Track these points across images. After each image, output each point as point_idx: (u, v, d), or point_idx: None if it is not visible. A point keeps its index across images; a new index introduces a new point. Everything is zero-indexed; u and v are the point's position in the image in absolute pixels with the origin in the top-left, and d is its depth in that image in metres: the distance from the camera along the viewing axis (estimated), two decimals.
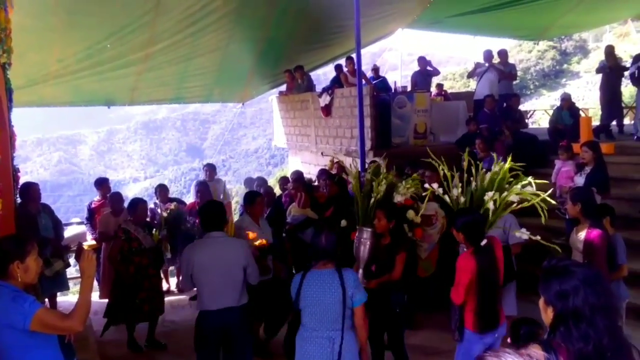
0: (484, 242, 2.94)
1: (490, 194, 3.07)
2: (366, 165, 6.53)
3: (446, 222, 4.98)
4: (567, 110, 7.73)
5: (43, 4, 5.74)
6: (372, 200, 3.61)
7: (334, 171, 7.01)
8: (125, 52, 7.20)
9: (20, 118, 4.67)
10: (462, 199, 3.22)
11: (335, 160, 7.78)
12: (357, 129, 7.28)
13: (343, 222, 4.23)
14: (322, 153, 9.10)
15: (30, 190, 4.79)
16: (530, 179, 3.19)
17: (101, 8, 6.22)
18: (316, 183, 6.68)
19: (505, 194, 3.11)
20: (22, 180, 4.64)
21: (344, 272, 2.84)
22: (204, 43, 7.69)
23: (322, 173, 6.39)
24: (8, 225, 2.81)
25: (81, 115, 48.48)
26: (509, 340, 2.75)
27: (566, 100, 7.89)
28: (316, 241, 2.86)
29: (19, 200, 4.65)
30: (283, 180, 7.29)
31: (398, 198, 3.69)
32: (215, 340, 3.19)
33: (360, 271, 3.59)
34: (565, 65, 27.62)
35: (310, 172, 8.77)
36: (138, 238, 4.46)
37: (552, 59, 27.49)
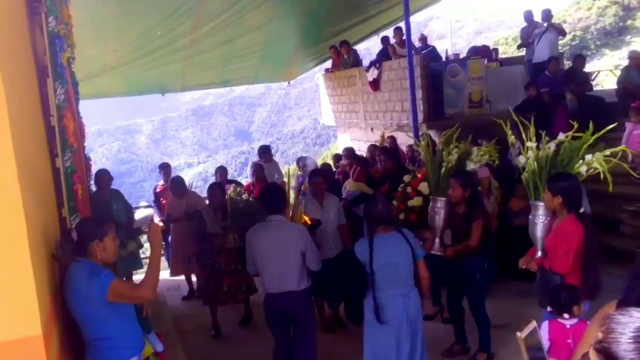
0: (581, 209, 2.80)
1: (589, 156, 2.87)
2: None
3: (500, 194, 4.83)
4: (637, 69, 7.18)
5: None
6: (444, 170, 3.65)
7: (386, 145, 6.92)
8: (174, 38, 7.33)
9: (81, 110, 4.91)
10: (533, 165, 3.04)
11: (387, 135, 7.66)
12: (407, 102, 7.10)
13: (406, 177, 4.46)
14: (371, 129, 8.98)
15: (102, 177, 5.13)
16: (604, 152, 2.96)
17: None
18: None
19: (588, 158, 2.91)
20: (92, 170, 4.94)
21: (405, 232, 3.04)
22: (247, 21, 7.67)
23: (374, 149, 6.33)
24: (85, 210, 2.98)
25: (135, 106, 50.46)
26: (549, 308, 2.66)
27: (635, 58, 7.32)
28: (373, 208, 2.98)
29: (93, 188, 4.97)
30: (336, 158, 7.35)
31: (471, 166, 3.66)
32: (282, 319, 3.31)
33: (437, 240, 3.69)
34: (629, 22, 25.56)
35: (360, 149, 8.69)
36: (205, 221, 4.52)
37: (614, 15, 25.51)
